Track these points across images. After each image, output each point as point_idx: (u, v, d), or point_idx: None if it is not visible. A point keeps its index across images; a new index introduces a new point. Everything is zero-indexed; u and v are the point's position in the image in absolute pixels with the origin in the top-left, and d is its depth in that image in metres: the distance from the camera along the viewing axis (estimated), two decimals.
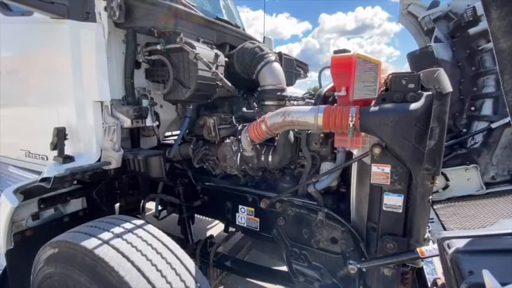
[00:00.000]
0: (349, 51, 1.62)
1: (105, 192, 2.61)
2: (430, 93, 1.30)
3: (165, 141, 2.96)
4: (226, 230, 2.35)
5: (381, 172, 1.49)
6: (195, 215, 2.72)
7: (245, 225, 2.21)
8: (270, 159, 2.05)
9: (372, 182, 1.52)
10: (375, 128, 1.39)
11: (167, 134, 3.00)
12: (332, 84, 1.91)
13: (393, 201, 1.51)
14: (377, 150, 1.43)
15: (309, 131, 1.97)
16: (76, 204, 2.36)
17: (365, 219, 1.70)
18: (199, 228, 3.76)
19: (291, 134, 1.99)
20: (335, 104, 1.59)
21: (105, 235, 1.44)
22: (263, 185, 2.25)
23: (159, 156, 1.91)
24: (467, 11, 2.88)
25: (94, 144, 1.79)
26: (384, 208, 1.54)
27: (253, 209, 2.15)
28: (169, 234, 2.86)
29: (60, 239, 1.52)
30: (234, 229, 2.57)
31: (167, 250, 1.44)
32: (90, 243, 1.38)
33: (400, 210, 1.50)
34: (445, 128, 1.23)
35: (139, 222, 1.60)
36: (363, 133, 1.52)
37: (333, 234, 1.84)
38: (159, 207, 2.66)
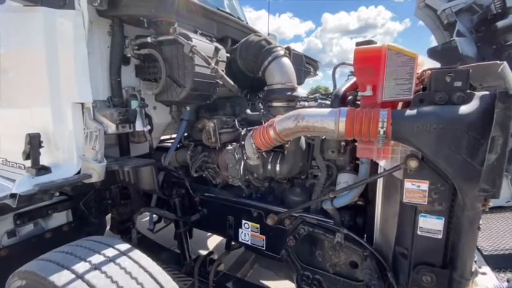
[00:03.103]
0: (375, 43, 1.36)
1: (94, 203, 2.38)
2: (486, 93, 1.03)
3: (162, 145, 2.70)
4: (227, 247, 2.09)
5: (416, 189, 1.22)
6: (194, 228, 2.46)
7: (249, 242, 1.95)
8: (278, 168, 1.79)
9: (404, 201, 1.25)
10: (411, 137, 1.12)
11: (165, 137, 2.74)
12: (351, 83, 1.64)
13: (431, 225, 1.24)
14: (413, 164, 1.16)
15: (323, 137, 1.71)
16: (59, 218, 2.11)
17: (392, 243, 1.44)
18: (199, 238, 3.48)
19: (303, 139, 1.73)
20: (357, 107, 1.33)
21: (80, 266, 1.18)
22: (270, 197, 1.99)
23: (150, 167, 1.65)
24: (495, 2, 2.60)
25: (74, 153, 1.53)
26: (419, 232, 1.27)
27: (258, 225, 1.88)
28: (165, 249, 2.66)
29: (29, 269, 1.27)
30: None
31: (156, 286, 1.18)
32: (60, 278, 1.12)
33: (440, 236, 1.23)
34: (509, 138, 0.96)
35: (123, 247, 1.34)
36: (391, 141, 1.25)
37: (352, 258, 1.58)
38: (155, 218, 2.40)
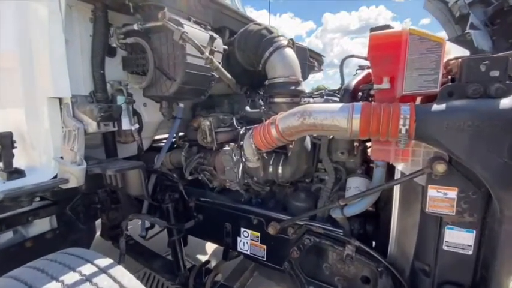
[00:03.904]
0: (393, 28, 1.18)
1: (82, 208, 2.19)
2: None
3: (157, 146, 2.53)
4: (225, 257, 1.92)
5: (441, 197, 1.05)
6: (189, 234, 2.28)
7: (248, 252, 1.78)
8: (280, 171, 1.62)
9: (427, 210, 1.08)
10: (440, 136, 0.94)
11: (160, 136, 2.57)
12: (363, 75, 1.47)
13: (459, 239, 1.07)
14: (440, 168, 0.99)
15: (331, 136, 1.53)
16: (42, 225, 1.94)
17: (410, 257, 1.27)
18: (195, 242, 3.31)
19: (308, 139, 1.56)
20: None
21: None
22: (271, 202, 1.81)
23: (138, 170, 1.48)
24: None
25: (51, 154, 1.36)
26: (445, 247, 1.10)
27: (258, 234, 1.71)
28: (159, 257, 2.49)
29: None
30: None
31: None
32: None
33: (470, 252, 1.06)
34: None
35: (104, 263, 1.17)
36: (412, 142, 1.08)
37: (364, 272, 1.41)
38: (148, 224, 2.23)
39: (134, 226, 2.76)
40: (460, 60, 1.02)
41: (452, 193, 1.03)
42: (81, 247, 2.29)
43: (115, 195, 2.24)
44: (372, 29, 1.18)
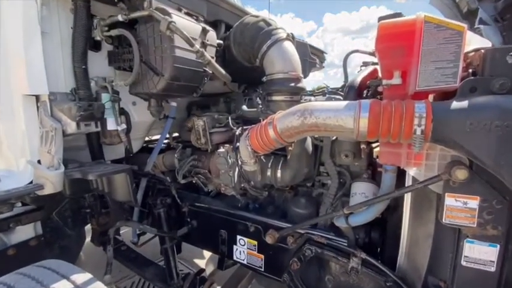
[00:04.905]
0: (403, 16, 1.06)
1: (70, 213, 2.08)
2: None
3: (153, 146, 2.41)
4: (220, 266, 1.80)
5: (461, 207, 0.93)
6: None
7: (245, 262, 1.66)
8: (279, 174, 1.50)
9: (443, 221, 0.95)
10: (461, 137, 0.82)
11: (157, 137, 2.45)
12: (370, 71, 1.35)
13: (481, 254, 0.95)
14: (461, 174, 0.87)
15: (334, 137, 1.41)
16: (26, 231, 1.81)
17: (422, 271, 1.14)
18: (192, 247, 3.20)
19: (309, 140, 1.44)
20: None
21: None
22: (269, 208, 1.69)
23: (124, 174, 1.36)
24: None
25: (28, 157, 1.24)
26: (463, 262, 0.98)
27: (255, 243, 1.59)
28: (151, 264, 2.37)
29: None
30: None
31: None
32: None
33: (493, 269, 0.94)
34: None
35: (81, 278, 1.05)
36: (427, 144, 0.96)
37: (370, 286, 1.28)
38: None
39: (127, 231, 2.65)
40: (482, 51, 0.90)
41: (474, 202, 0.91)
42: (69, 254, 2.20)
43: (105, 199, 2.12)
44: (381, 18, 1.05)
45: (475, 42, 1.00)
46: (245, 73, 1.82)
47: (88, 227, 2.37)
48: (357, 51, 1.68)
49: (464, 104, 0.82)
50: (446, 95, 0.95)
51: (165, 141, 2.28)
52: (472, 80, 0.86)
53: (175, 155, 1.86)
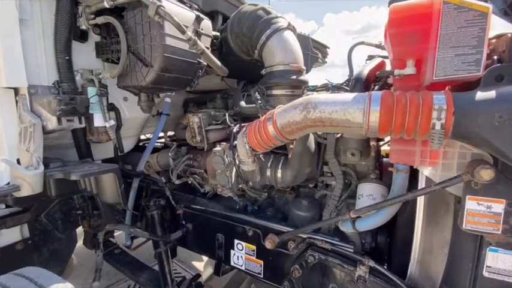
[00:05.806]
0: None
1: (59, 215, 1.98)
2: None
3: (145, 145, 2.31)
4: (217, 272, 1.69)
5: (484, 211, 0.83)
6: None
7: (243, 267, 1.56)
8: (279, 174, 1.40)
9: (464, 227, 0.85)
10: (488, 133, 0.72)
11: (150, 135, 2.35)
12: (377, 63, 1.24)
13: (506, 264, 0.85)
14: (486, 174, 0.76)
15: (339, 134, 1.31)
16: (11, 235, 1.71)
17: (437, 281, 1.04)
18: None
19: (312, 138, 1.33)
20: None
21: None
22: (269, 210, 1.59)
23: (112, 174, 1.25)
24: None
25: (6, 156, 1.14)
26: (485, 273, 0.88)
27: (254, 247, 1.49)
28: (146, 268, 2.26)
29: None
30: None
31: None
32: None
33: None
34: None
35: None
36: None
37: None
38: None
39: (122, 233, 2.55)
40: (508, 35, 0.80)
41: (499, 206, 0.81)
42: (59, 258, 2.10)
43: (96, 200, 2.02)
44: (392, 1, 0.95)
45: (499, 26, 0.90)
46: (244, 68, 1.72)
47: (80, 229, 2.27)
48: (362, 43, 1.58)
49: (492, 94, 0.72)
50: (464, 86, 0.85)
51: (161, 140, 2.19)
52: (498, 67, 0.76)
53: (170, 154, 1.76)
